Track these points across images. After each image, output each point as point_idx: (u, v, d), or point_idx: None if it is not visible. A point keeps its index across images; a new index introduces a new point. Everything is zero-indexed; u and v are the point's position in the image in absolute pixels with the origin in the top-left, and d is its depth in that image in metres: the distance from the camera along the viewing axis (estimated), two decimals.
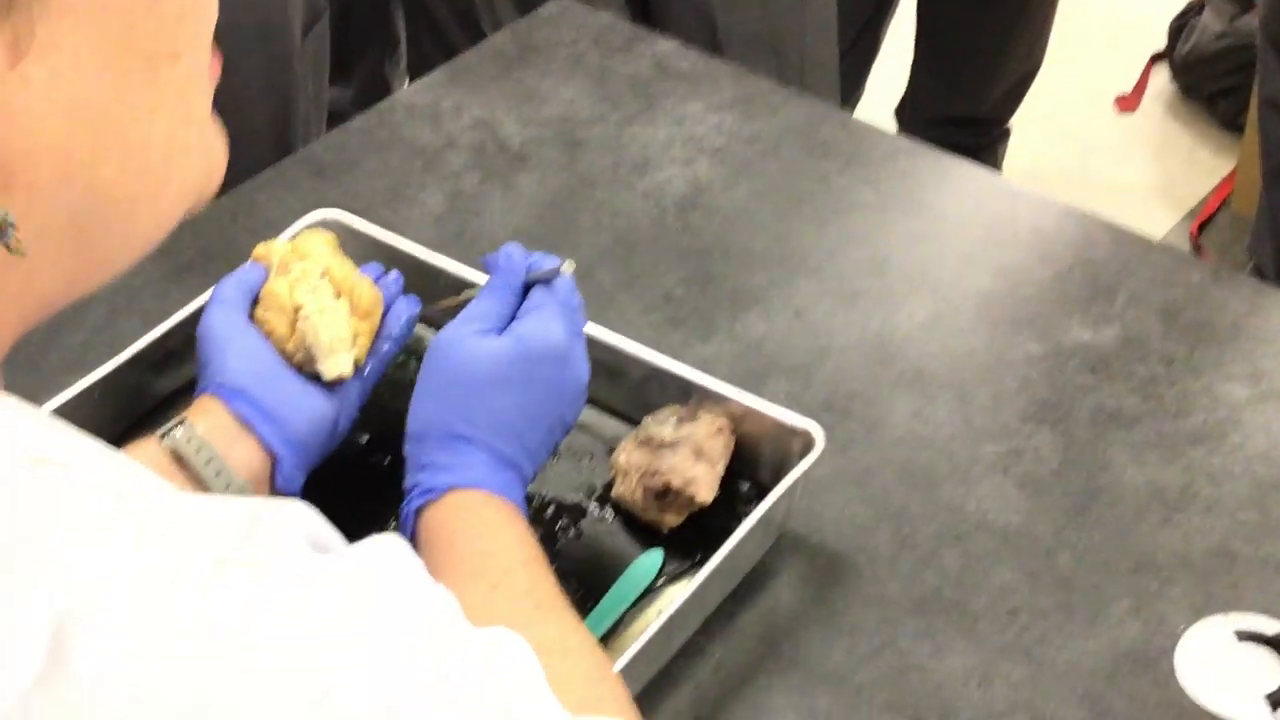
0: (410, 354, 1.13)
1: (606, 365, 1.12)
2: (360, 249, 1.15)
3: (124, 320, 1.24)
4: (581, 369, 0.97)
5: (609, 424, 1.14)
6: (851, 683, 1.02)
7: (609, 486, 1.09)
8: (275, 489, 0.97)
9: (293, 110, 1.69)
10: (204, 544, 0.48)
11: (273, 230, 1.23)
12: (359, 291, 1.03)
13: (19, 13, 0.48)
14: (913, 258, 1.33)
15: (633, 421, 1.11)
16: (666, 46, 1.54)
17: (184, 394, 1.13)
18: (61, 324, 1.24)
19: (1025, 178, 1.91)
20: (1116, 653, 1.03)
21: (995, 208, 1.39)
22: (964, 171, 1.43)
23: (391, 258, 1.15)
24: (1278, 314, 1.28)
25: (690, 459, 1.05)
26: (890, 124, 2.65)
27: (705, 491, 1.05)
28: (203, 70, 0.56)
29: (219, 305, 1.02)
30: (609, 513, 1.09)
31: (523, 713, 0.55)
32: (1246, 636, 1.04)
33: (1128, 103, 2.99)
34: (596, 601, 1.03)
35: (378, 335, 1.05)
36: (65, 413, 1.07)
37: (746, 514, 1.03)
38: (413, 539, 0.91)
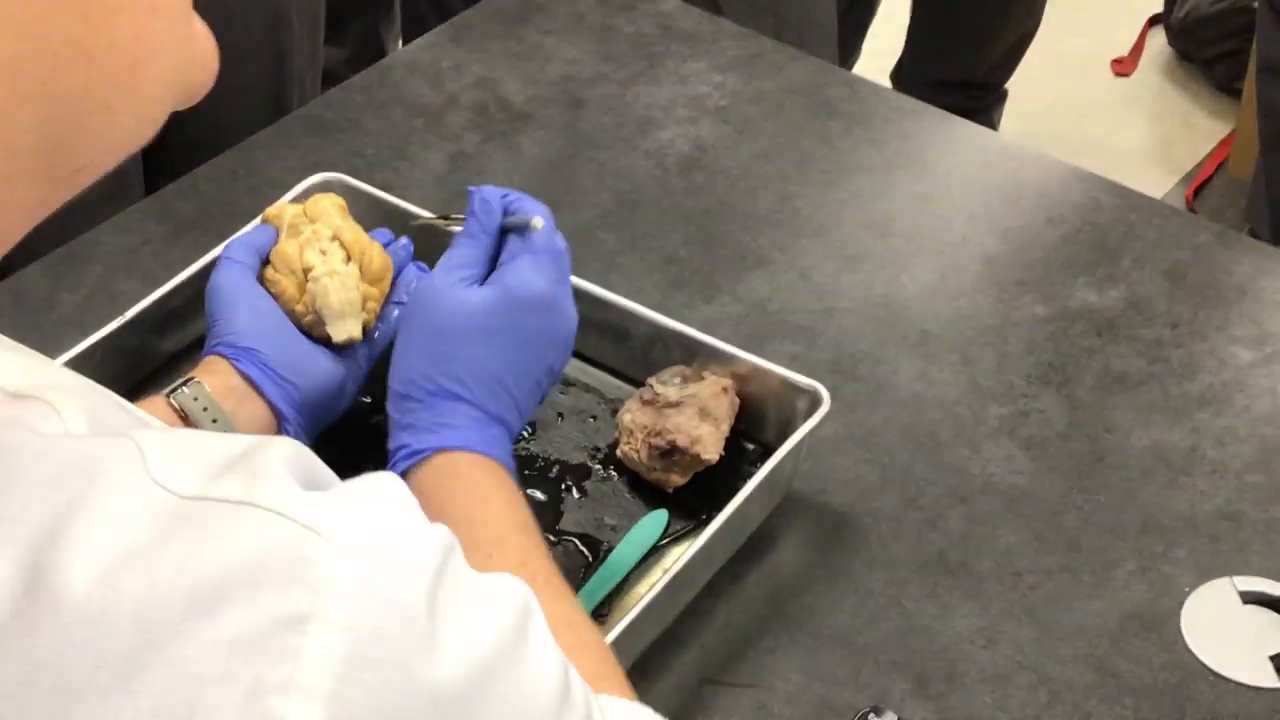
0: None
1: (611, 325, 1.12)
2: (361, 210, 1.14)
3: (123, 280, 1.23)
4: (570, 315, 0.94)
5: (613, 384, 1.13)
6: (857, 643, 1.02)
7: (614, 446, 1.09)
8: None
9: (288, 67, 1.67)
10: (187, 475, 0.47)
11: (274, 189, 1.22)
12: (369, 256, 1.03)
13: None
14: (918, 219, 1.32)
15: (637, 382, 1.11)
16: (669, 5, 1.53)
17: (187, 356, 1.13)
18: (60, 283, 1.23)
19: (1021, 140, 1.90)
20: (1122, 614, 1.03)
21: (1000, 169, 1.39)
22: (968, 133, 1.43)
23: (393, 218, 1.15)
24: None
25: (695, 418, 1.05)
26: (887, 86, 2.64)
27: (710, 451, 1.05)
28: None
29: (229, 264, 1.01)
30: (614, 473, 1.09)
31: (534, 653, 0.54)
32: (1252, 598, 1.04)
33: (1124, 66, 2.97)
34: (601, 561, 1.03)
35: (386, 301, 1.04)
36: None
37: (752, 474, 1.02)
38: None
